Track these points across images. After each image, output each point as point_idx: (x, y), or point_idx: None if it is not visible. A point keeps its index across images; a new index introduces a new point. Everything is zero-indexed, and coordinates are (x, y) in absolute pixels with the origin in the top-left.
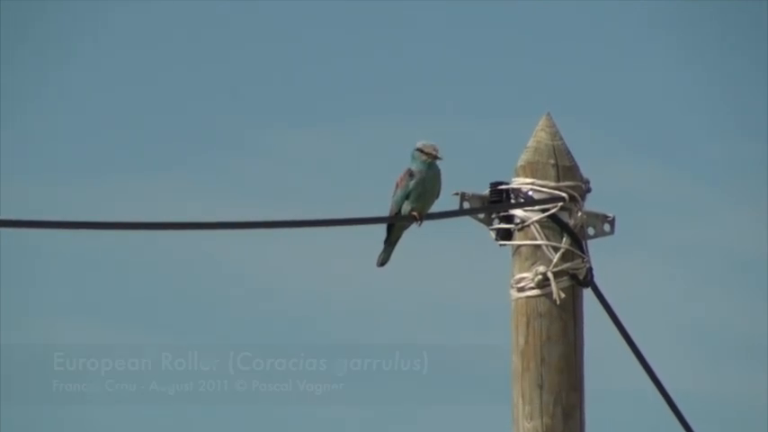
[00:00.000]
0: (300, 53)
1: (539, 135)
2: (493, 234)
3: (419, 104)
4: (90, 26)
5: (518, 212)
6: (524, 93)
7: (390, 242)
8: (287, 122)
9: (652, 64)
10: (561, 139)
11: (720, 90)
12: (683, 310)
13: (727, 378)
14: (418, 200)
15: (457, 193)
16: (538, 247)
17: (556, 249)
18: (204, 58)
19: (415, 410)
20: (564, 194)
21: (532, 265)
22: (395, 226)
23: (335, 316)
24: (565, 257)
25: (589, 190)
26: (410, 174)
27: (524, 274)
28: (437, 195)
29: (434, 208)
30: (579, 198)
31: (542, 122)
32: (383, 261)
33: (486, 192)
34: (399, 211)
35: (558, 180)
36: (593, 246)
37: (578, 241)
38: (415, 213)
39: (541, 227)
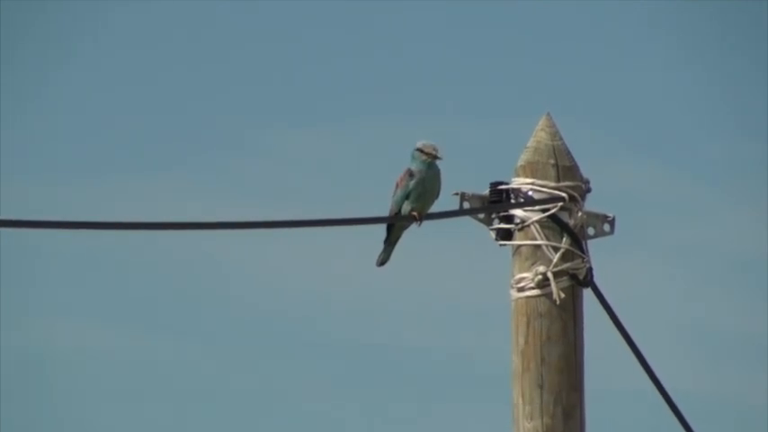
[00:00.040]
0: (300, 53)
1: (539, 135)
2: (493, 234)
3: (419, 104)
4: (90, 26)
5: (518, 212)
6: (524, 93)
7: (390, 242)
8: (287, 122)
9: (652, 64)
10: (561, 139)
11: (720, 90)
12: (683, 310)
13: (727, 378)
14: (418, 200)
15: (457, 193)
16: (538, 247)
17: (556, 249)
18: (204, 58)
19: (415, 410)
20: (564, 194)
21: (532, 265)
22: (395, 226)
23: (335, 316)
24: (565, 257)
25: (589, 190)
26: (410, 174)
27: (524, 274)
28: (437, 195)
29: (434, 208)
30: (579, 198)
31: (542, 122)
32: (383, 261)
33: (486, 192)
34: (399, 211)
35: (558, 180)
36: (593, 246)
37: (578, 241)
38: (414, 213)
39: (541, 227)
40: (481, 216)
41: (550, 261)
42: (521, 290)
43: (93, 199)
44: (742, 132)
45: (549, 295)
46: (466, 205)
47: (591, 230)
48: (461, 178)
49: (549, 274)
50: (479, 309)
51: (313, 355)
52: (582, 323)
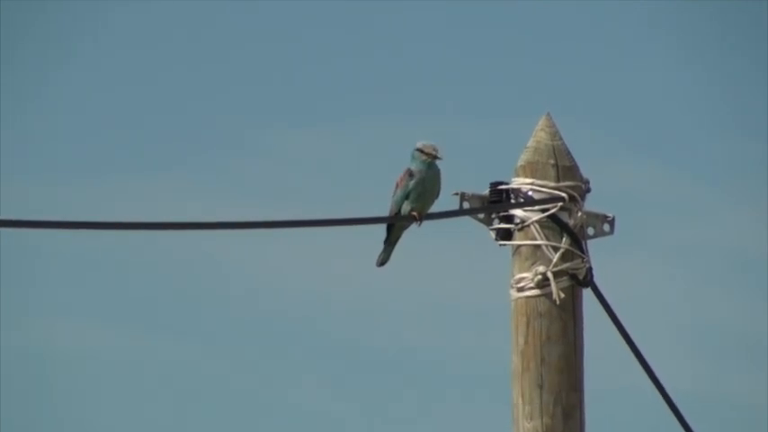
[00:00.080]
0: (300, 53)
1: (538, 135)
2: (493, 234)
3: (419, 104)
4: (90, 26)
5: (518, 212)
6: (524, 93)
7: (390, 242)
8: (287, 122)
9: (652, 64)
10: (561, 139)
11: (720, 90)
12: (683, 310)
13: (727, 378)
14: (418, 200)
15: (457, 193)
16: (538, 247)
17: (556, 249)
18: (204, 58)
19: (415, 410)
20: (564, 194)
21: (532, 265)
22: (395, 226)
23: (335, 316)
24: (564, 257)
25: (589, 190)
26: (410, 174)
27: (524, 274)
28: (437, 195)
29: (434, 208)
30: (579, 198)
31: (542, 122)
32: (383, 261)
33: (486, 192)
34: (399, 211)
35: (557, 180)
36: (592, 246)
37: (578, 241)
38: (414, 213)
39: (541, 227)
40: (481, 216)
41: (550, 261)
42: (521, 290)
43: (93, 199)
44: (742, 132)
45: (548, 295)
46: (466, 205)
47: (591, 230)
48: (461, 178)
49: (549, 274)
50: (479, 309)
51: (313, 355)
52: (582, 323)
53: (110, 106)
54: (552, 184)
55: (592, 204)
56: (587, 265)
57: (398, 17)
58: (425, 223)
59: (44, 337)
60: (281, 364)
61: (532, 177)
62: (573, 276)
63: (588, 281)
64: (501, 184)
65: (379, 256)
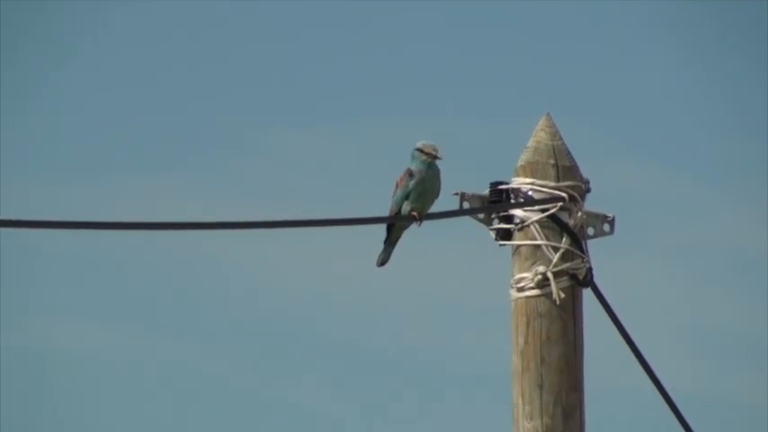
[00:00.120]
0: (300, 53)
1: (538, 135)
2: (493, 234)
3: (419, 104)
4: (90, 26)
5: (518, 212)
6: (524, 93)
7: (390, 242)
8: (287, 122)
9: (652, 64)
10: (561, 139)
11: (720, 90)
12: (683, 310)
13: (727, 378)
14: (418, 200)
15: (457, 193)
16: (538, 247)
17: (556, 249)
18: (204, 58)
19: (415, 410)
20: (564, 194)
21: (532, 265)
22: (395, 226)
23: (335, 316)
24: (564, 257)
25: (589, 190)
26: (410, 174)
27: (524, 274)
28: (437, 195)
29: (434, 208)
30: (579, 198)
31: (542, 122)
32: (383, 261)
33: (486, 192)
34: (399, 210)
35: (557, 180)
36: (592, 246)
37: (578, 241)
38: (414, 213)
39: (541, 227)
40: (481, 216)
41: (550, 261)
42: (521, 290)
43: (93, 199)
44: (742, 132)
45: (548, 295)
46: (466, 205)
47: (591, 230)
48: (461, 178)
49: (549, 274)
50: (479, 309)
51: (313, 355)
52: (582, 323)
53: (110, 106)
54: (552, 184)
55: (592, 204)
56: (587, 265)
57: (398, 17)
58: (425, 223)
59: (44, 337)
60: (281, 364)
61: (532, 177)
62: (573, 276)
63: (588, 281)
64: (501, 184)
65: (380, 256)
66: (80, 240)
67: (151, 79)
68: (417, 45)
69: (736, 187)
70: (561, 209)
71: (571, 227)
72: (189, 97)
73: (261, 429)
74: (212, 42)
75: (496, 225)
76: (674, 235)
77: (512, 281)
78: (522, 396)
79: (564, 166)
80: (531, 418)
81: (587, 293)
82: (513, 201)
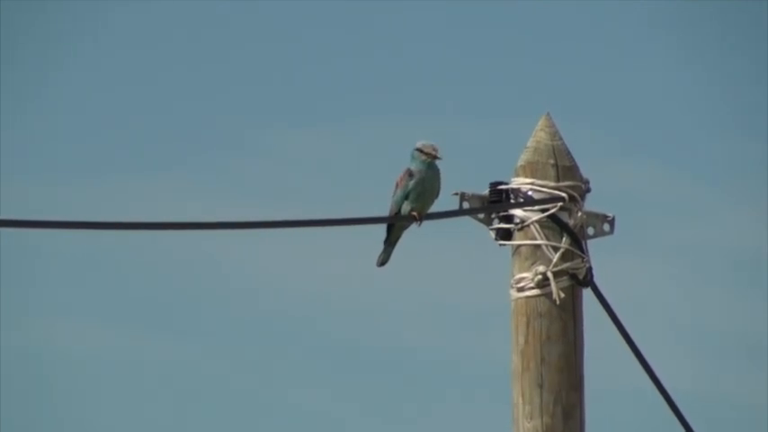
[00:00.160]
0: (300, 53)
1: (538, 135)
2: (493, 234)
3: (419, 104)
4: (90, 26)
5: (518, 212)
6: (524, 93)
7: (390, 242)
8: (287, 122)
9: (652, 64)
10: (561, 139)
11: (720, 90)
12: (683, 310)
13: (727, 378)
14: (418, 200)
15: (456, 193)
16: (538, 246)
17: (555, 249)
18: (204, 58)
19: (415, 410)
20: (564, 194)
21: (532, 264)
22: (395, 226)
23: (335, 316)
24: (564, 257)
25: (589, 190)
26: (410, 174)
27: (524, 274)
28: (437, 195)
29: (434, 208)
30: (579, 198)
31: (542, 122)
32: (383, 261)
33: (486, 192)
34: (399, 210)
35: (557, 180)
36: (592, 246)
37: (578, 241)
38: (414, 213)
39: (541, 227)
40: (481, 216)
41: (550, 261)
42: (521, 290)
43: (93, 199)
44: (742, 132)
45: (548, 295)
46: (466, 205)
47: (591, 230)
48: (461, 178)
49: (549, 274)
50: (479, 309)
51: (313, 355)
52: (582, 323)
53: (110, 106)
54: (552, 184)
55: (592, 204)
56: (587, 265)
57: (398, 17)
58: (425, 223)
59: (44, 337)
60: (281, 364)
61: (532, 177)
62: (573, 276)
63: (588, 281)
64: (501, 184)
65: (380, 257)
66: (80, 240)
67: (151, 79)
68: (417, 45)
69: (736, 187)
70: (561, 209)
71: (571, 227)
72: (189, 97)
73: (261, 429)
74: (212, 42)
75: (496, 225)
76: (674, 235)
77: (512, 281)
78: (523, 396)
79: (564, 166)
80: (531, 418)
81: (587, 293)
82: (512, 201)
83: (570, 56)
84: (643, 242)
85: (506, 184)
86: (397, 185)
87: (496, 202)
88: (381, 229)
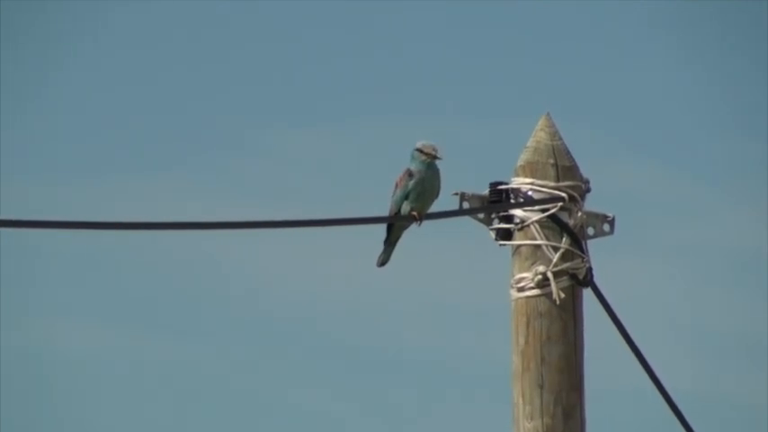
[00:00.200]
0: (300, 53)
1: (538, 135)
2: (493, 234)
3: (419, 104)
4: (90, 26)
5: (518, 212)
6: (524, 93)
7: (390, 242)
8: (287, 122)
9: (652, 64)
10: (561, 139)
11: (720, 90)
12: (683, 310)
13: (727, 378)
14: (418, 200)
15: (456, 193)
16: (538, 246)
17: (556, 249)
18: (204, 58)
19: (415, 410)
20: (564, 194)
21: (532, 264)
22: (394, 226)
23: (335, 316)
24: (564, 257)
25: (589, 190)
26: (409, 174)
27: (524, 274)
28: (437, 195)
29: (434, 208)
30: (579, 198)
31: (542, 122)
32: (383, 261)
33: (486, 192)
34: (399, 210)
35: (557, 180)
36: (592, 246)
37: (578, 241)
38: (414, 213)
39: (541, 227)
40: (481, 216)
41: (550, 261)
42: (521, 290)
43: (93, 199)
44: (742, 132)
45: (548, 295)
46: (466, 205)
47: (591, 230)
48: (461, 178)
49: (549, 274)
50: (479, 309)
51: (313, 355)
52: (582, 323)
53: (110, 106)
54: (552, 183)
55: (592, 204)
56: (587, 265)
57: (398, 17)
58: (425, 223)
59: (44, 337)
60: (281, 364)
61: (532, 177)
62: (573, 276)
63: (588, 281)
64: (501, 184)
65: (380, 257)
66: (80, 240)
67: (151, 79)
68: (417, 45)
69: (736, 187)
70: (561, 209)
71: (571, 227)
72: (189, 97)
73: (261, 429)
74: (212, 42)
75: (496, 225)
76: (674, 235)
77: (512, 281)
78: (523, 396)
79: (564, 166)
80: (531, 418)
81: (587, 293)
82: (513, 201)
83: (570, 56)
84: (643, 242)
85: (506, 184)
86: (396, 185)
87: (496, 202)
88: (381, 229)
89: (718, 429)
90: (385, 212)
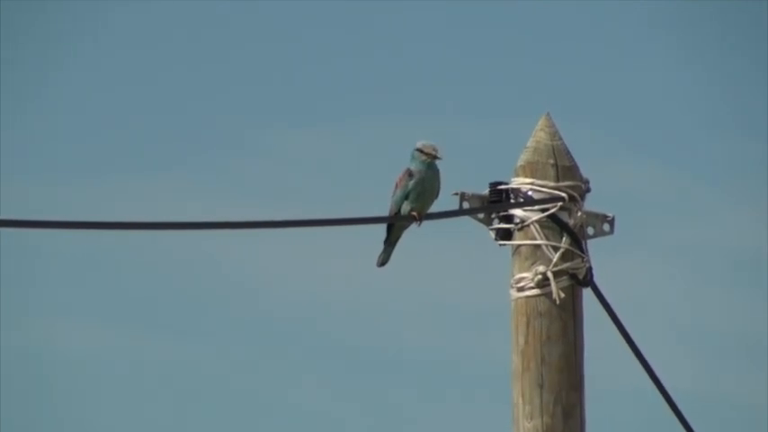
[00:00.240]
0: (300, 53)
1: (538, 135)
2: (492, 234)
3: (419, 104)
4: (90, 26)
5: (518, 212)
6: (524, 93)
7: (390, 242)
8: (287, 122)
9: (652, 64)
10: (561, 139)
11: (720, 90)
12: (683, 310)
13: (727, 378)
14: (418, 200)
15: (456, 193)
16: (537, 246)
17: (555, 249)
18: (204, 58)
19: (415, 410)
20: (563, 194)
21: (532, 264)
22: (394, 226)
23: (335, 316)
24: (564, 257)
25: (589, 190)
26: (409, 174)
27: (524, 274)
28: (436, 195)
29: (434, 208)
30: (579, 198)
31: (542, 122)
32: (383, 261)
33: (486, 192)
34: (399, 210)
35: (557, 180)
36: (592, 245)
37: (578, 241)
38: (414, 213)
39: (541, 227)
40: (481, 216)
41: (550, 261)
42: (521, 290)
43: (93, 199)
44: (742, 132)
45: (548, 295)
46: (466, 205)
47: (591, 230)
48: (461, 178)
49: (549, 274)
50: (479, 309)
51: (313, 355)
52: (582, 323)
53: (110, 106)
54: (552, 183)
55: (592, 204)
56: (587, 265)
57: (398, 17)
58: (425, 223)
59: (44, 337)
60: (281, 364)
61: (532, 177)
62: (573, 276)
63: (588, 281)
64: (501, 184)
65: (380, 257)
66: (80, 240)
67: (151, 79)
68: (417, 45)
69: (736, 187)
70: (561, 209)
71: (571, 227)
72: (189, 97)
73: (261, 429)
74: (212, 42)
75: (496, 225)
76: (674, 235)
77: (512, 281)
78: (523, 396)
79: (564, 166)
80: (531, 418)
81: (587, 293)
82: (512, 201)
83: (570, 56)
84: (643, 242)
85: (506, 184)
86: (396, 185)
87: (496, 202)
88: (381, 229)
89: (718, 429)
90: (385, 212)
